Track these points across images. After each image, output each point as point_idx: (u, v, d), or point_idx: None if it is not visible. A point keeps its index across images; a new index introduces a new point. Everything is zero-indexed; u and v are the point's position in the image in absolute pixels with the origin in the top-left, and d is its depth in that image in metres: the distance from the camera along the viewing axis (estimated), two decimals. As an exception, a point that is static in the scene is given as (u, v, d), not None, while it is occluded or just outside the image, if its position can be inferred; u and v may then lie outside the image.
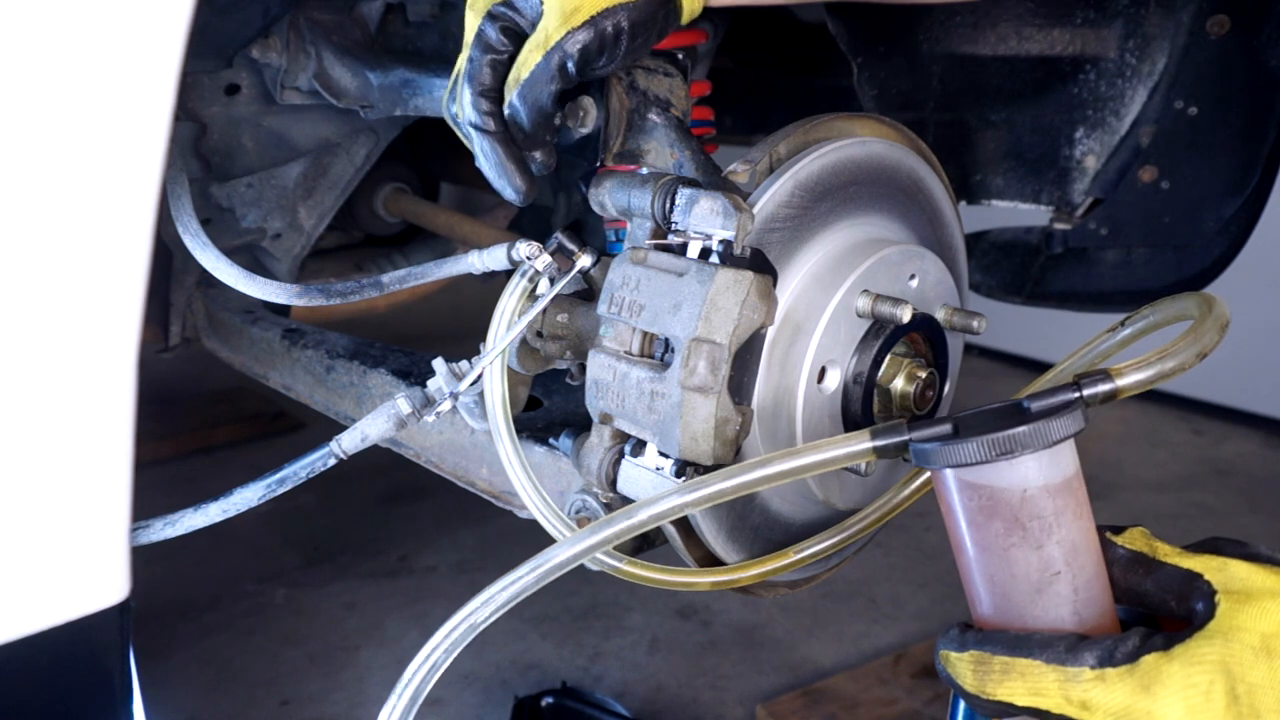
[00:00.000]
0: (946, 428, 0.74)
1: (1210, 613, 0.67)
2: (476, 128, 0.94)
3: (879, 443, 0.78)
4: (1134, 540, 0.77)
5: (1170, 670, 0.65)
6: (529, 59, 0.92)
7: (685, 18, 0.95)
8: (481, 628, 0.83)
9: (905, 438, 0.77)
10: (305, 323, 1.71)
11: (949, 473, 0.74)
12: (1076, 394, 0.76)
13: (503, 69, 0.94)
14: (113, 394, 0.86)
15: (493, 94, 0.94)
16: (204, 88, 1.52)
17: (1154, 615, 0.77)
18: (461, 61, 0.98)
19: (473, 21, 0.95)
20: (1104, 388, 0.77)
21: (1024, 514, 0.72)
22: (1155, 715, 0.64)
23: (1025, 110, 1.52)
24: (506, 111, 0.94)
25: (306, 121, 1.64)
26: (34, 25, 0.76)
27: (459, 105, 0.96)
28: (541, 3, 0.91)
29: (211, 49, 1.40)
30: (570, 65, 0.90)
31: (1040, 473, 0.72)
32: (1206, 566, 0.71)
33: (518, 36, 0.94)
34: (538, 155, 0.98)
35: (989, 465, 0.72)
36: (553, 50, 0.90)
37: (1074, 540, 0.73)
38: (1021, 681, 0.69)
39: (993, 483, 0.72)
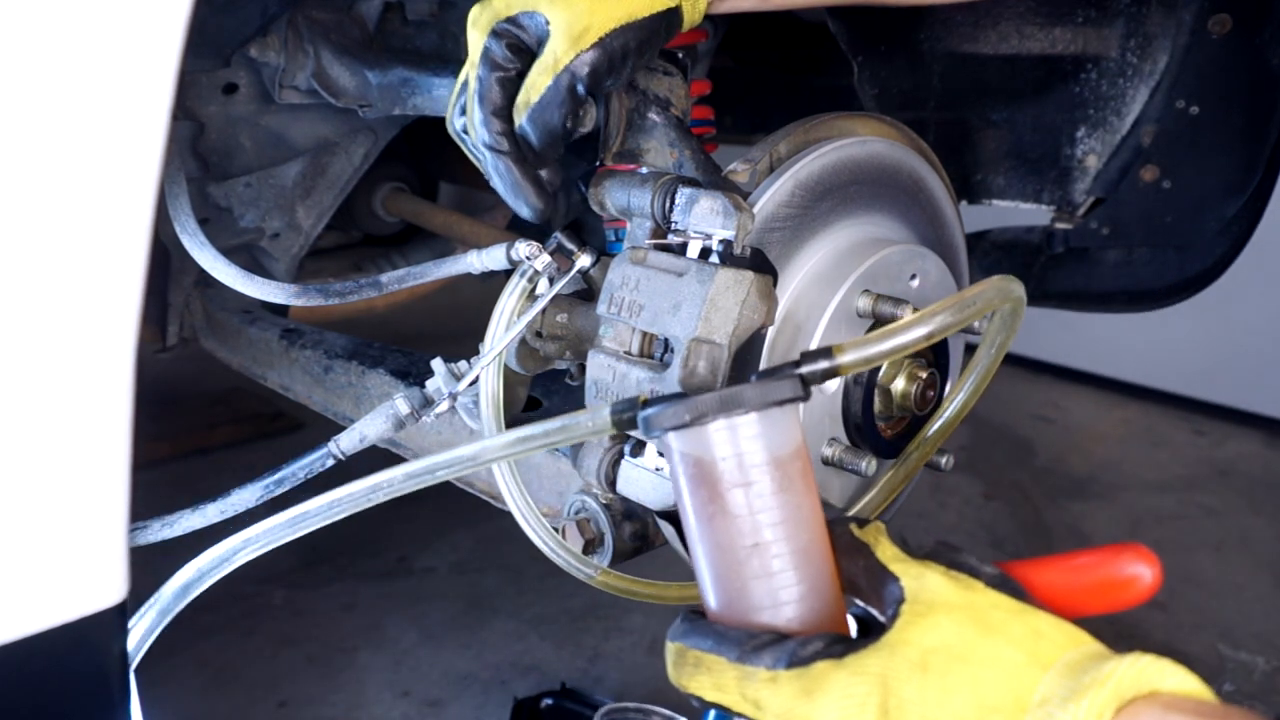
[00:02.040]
0: (677, 399, 0.74)
1: (892, 623, 0.67)
2: (490, 148, 0.94)
3: (617, 415, 0.77)
4: (867, 533, 0.75)
5: (835, 678, 0.64)
6: (538, 81, 0.92)
7: (686, 26, 0.95)
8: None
9: (637, 411, 0.76)
10: (303, 323, 1.70)
11: (669, 442, 0.74)
12: (795, 370, 0.75)
13: (512, 86, 0.94)
14: (110, 394, 0.86)
15: (504, 113, 0.94)
16: (202, 87, 1.51)
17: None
18: (465, 77, 0.97)
19: (477, 40, 0.95)
20: (823, 365, 0.75)
21: (724, 482, 0.72)
22: None
23: (1026, 109, 1.51)
24: (518, 126, 0.94)
25: (305, 121, 1.63)
26: (31, 23, 0.76)
27: (470, 125, 0.96)
28: (547, 22, 0.90)
29: (210, 48, 1.40)
30: (580, 87, 0.91)
31: (736, 442, 0.72)
32: (906, 573, 0.70)
33: (523, 52, 0.93)
34: (544, 173, 0.98)
35: (692, 432, 0.72)
36: (562, 73, 0.90)
37: (780, 515, 0.72)
38: (708, 676, 0.70)
39: (697, 449, 0.72)
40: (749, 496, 0.72)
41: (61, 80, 0.78)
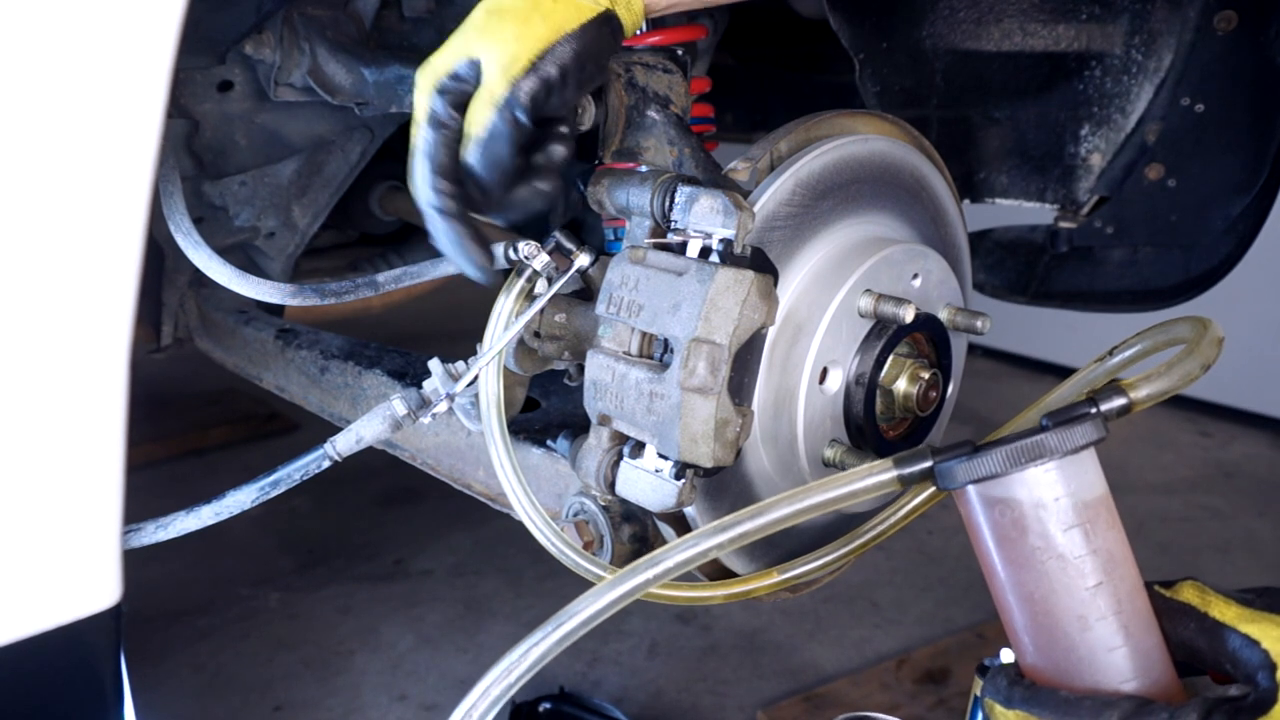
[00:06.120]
0: (967, 447, 0.75)
1: (1274, 692, 0.65)
2: (435, 209, 0.92)
3: (903, 471, 0.79)
4: (1184, 593, 0.75)
5: None
6: (478, 116, 0.90)
7: (628, 31, 0.94)
8: (505, 699, 0.81)
9: (929, 463, 0.77)
10: (299, 323, 1.69)
11: (973, 492, 0.74)
12: (1093, 408, 0.77)
13: (458, 144, 0.92)
14: (104, 395, 0.85)
15: (450, 173, 0.92)
16: (196, 84, 1.50)
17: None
18: (412, 139, 0.95)
19: (422, 102, 0.93)
20: (1118, 402, 0.79)
21: (1055, 524, 0.72)
22: None
23: (1030, 107, 1.50)
24: (464, 162, 0.92)
25: (300, 118, 1.62)
26: (25, 22, 0.75)
27: (414, 185, 0.94)
28: (481, 63, 0.89)
29: (204, 45, 1.39)
30: (522, 115, 0.89)
31: (1067, 481, 0.72)
32: (1265, 635, 0.69)
33: (467, 105, 0.92)
34: (543, 185, 0.95)
35: (1015, 476, 0.72)
36: (503, 105, 0.89)
37: (1111, 551, 0.73)
38: None
39: (1019, 494, 0.72)
40: (1080, 535, 0.72)
41: (55, 78, 0.77)
